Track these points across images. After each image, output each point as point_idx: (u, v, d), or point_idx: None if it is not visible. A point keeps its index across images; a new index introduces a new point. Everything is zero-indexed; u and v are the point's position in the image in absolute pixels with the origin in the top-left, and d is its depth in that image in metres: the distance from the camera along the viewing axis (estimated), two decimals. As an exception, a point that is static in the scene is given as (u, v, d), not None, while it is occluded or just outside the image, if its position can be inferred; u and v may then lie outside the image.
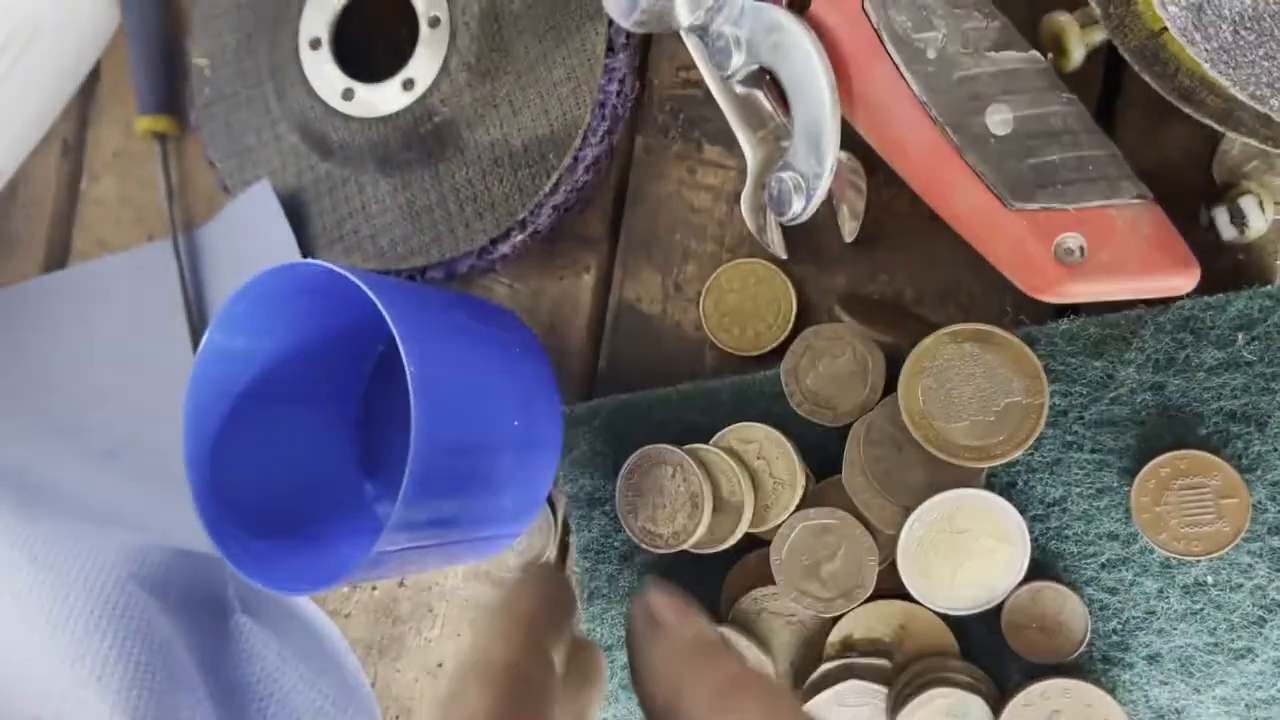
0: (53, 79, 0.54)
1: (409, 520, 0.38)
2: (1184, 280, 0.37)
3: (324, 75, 0.46)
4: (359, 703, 0.44)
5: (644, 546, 0.42)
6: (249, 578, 0.39)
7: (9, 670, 0.38)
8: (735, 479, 0.41)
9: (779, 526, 0.40)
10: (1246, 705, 0.37)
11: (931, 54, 0.38)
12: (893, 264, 0.43)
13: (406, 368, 0.37)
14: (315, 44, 0.46)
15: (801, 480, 0.40)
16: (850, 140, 0.42)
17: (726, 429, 0.41)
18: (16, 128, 0.55)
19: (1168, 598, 0.38)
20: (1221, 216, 0.39)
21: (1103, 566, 0.38)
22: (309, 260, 0.39)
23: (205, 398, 0.43)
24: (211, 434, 0.43)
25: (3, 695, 0.38)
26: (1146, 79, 0.38)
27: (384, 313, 0.37)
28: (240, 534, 0.42)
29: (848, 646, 0.40)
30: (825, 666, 0.40)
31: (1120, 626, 0.38)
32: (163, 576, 0.44)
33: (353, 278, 0.38)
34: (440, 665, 0.48)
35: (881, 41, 0.38)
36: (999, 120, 0.38)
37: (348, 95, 0.46)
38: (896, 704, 0.38)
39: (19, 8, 0.51)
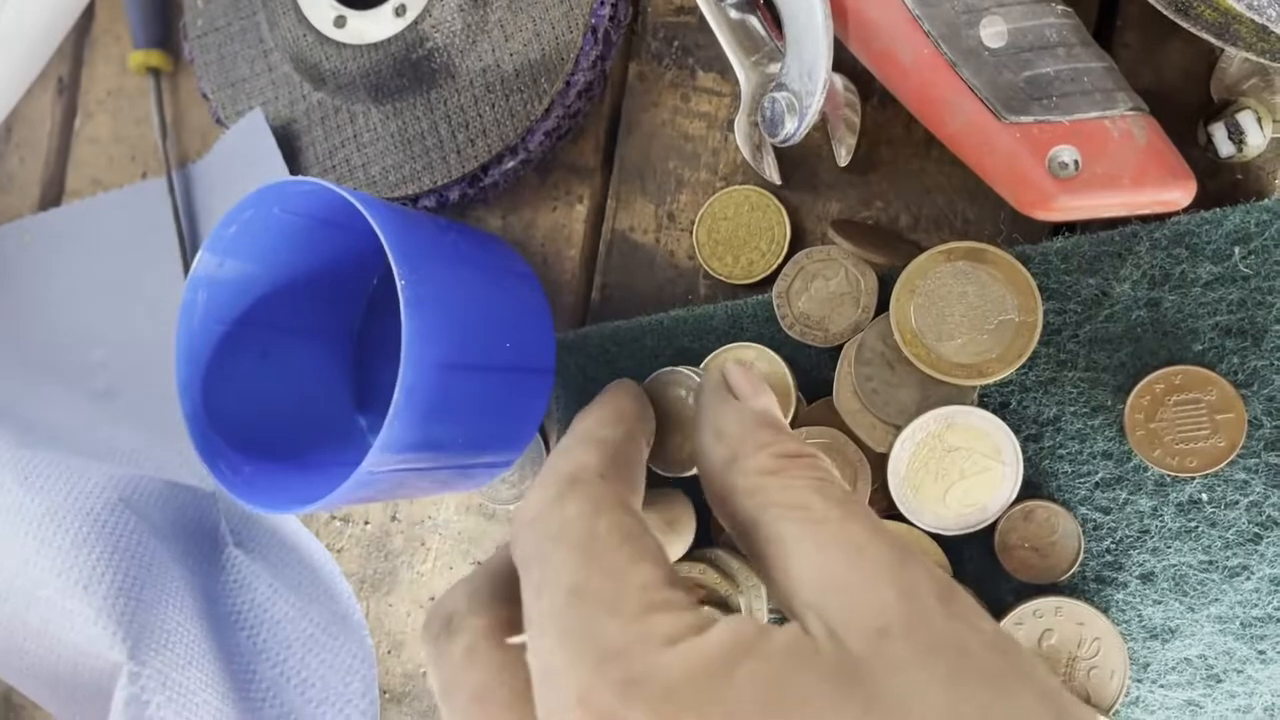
0: (47, 17, 0.54)
1: (399, 439, 0.37)
2: (1179, 193, 0.37)
3: (316, 3, 0.46)
4: (350, 630, 0.44)
5: (659, 471, 0.41)
6: (237, 496, 0.39)
7: (1, 587, 0.38)
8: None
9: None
10: (1241, 623, 0.37)
11: (925, -33, 0.38)
12: (887, 190, 0.43)
13: (397, 279, 0.36)
14: (307, -28, 0.46)
15: (794, 398, 0.40)
16: (844, 66, 0.42)
17: (719, 350, 0.41)
18: (11, 67, 0.55)
19: (1162, 516, 0.37)
20: (1219, 133, 0.38)
21: (1096, 485, 0.38)
22: (300, 178, 0.38)
23: (197, 322, 0.43)
24: (204, 359, 0.43)
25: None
26: (1143, -5, 0.37)
27: (375, 226, 0.37)
28: (231, 456, 0.41)
29: (839, 567, 0.40)
30: (816, 587, 0.40)
31: (1114, 545, 0.38)
32: (154, 504, 0.44)
33: (344, 193, 0.38)
34: (432, 599, 0.48)
35: (874, -46, 0.38)
36: (993, 33, 0.37)
37: (340, 23, 0.46)
38: (887, 623, 0.38)
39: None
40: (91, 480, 0.43)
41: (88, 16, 0.56)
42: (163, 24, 0.52)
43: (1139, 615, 0.37)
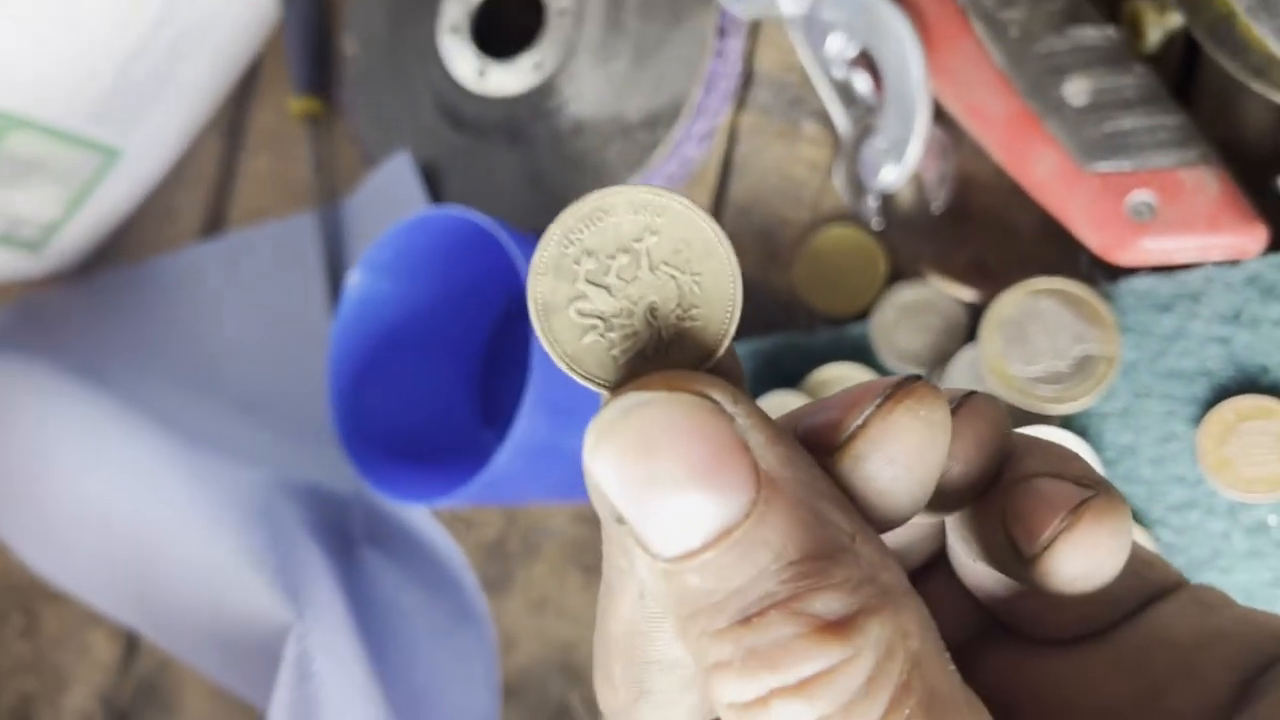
0: (219, 68, 0.60)
1: (526, 442, 0.42)
2: (1251, 239, 0.40)
3: (461, 57, 0.51)
4: (474, 621, 0.48)
5: None
6: (378, 489, 0.44)
7: (178, 562, 0.43)
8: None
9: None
10: (1307, 641, 0.39)
11: (1014, 31, 0.42)
12: (977, 233, 0.47)
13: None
14: (455, 30, 0.52)
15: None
16: (938, 118, 0.46)
17: (817, 368, 0.45)
18: (187, 113, 0.61)
19: (1231, 538, 0.40)
20: (1289, 185, 0.41)
21: (1170, 508, 0.41)
22: (450, 206, 0.44)
23: (349, 336, 0.48)
24: (352, 371, 0.48)
25: (174, 579, 0.43)
26: (1218, 59, 0.41)
27: (511, 254, 0.42)
28: (373, 455, 0.46)
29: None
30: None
31: (1186, 564, 0.40)
32: (299, 503, 0.49)
33: (487, 224, 0.43)
34: (544, 600, 0.52)
35: (967, 18, 0.42)
36: (1076, 90, 0.41)
37: (482, 75, 0.51)
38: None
39: (190, 7, 0.58)
40: (249, 482, 0.48)
41: (253, 66, 0.62)
42: (320, 74, 0.59)
43: (1209, 631, 0.40)
